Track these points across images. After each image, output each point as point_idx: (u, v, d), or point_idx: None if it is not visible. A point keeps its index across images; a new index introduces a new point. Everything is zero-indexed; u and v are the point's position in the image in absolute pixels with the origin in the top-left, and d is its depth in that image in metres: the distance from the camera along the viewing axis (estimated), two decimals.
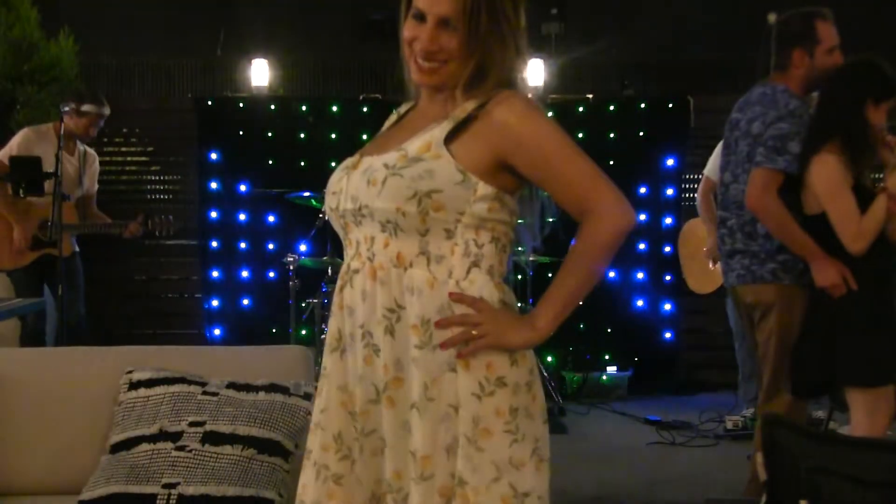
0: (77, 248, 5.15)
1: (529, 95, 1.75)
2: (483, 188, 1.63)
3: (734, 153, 3.33)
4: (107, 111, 5.09)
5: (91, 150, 5.28)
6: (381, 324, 1.65)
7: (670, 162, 6.18)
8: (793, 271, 3.19)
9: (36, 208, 4.88)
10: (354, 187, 1.68)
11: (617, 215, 1.65)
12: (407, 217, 1.61)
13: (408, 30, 1.69)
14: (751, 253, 3.25)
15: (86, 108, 5.00)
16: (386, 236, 1.65)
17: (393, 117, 1.90)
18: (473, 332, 1.61)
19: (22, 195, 4.77)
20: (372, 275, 1.66)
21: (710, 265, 4.85)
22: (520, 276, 5.42)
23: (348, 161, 1.77)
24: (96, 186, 5.30)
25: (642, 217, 6.13)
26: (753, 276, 3.24)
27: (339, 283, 1.74)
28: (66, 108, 4.96)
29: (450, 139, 1.64)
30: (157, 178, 6.44)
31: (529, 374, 1.68)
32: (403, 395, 1.64)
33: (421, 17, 1.66)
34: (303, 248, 5.78)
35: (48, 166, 4.37)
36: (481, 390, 1.62)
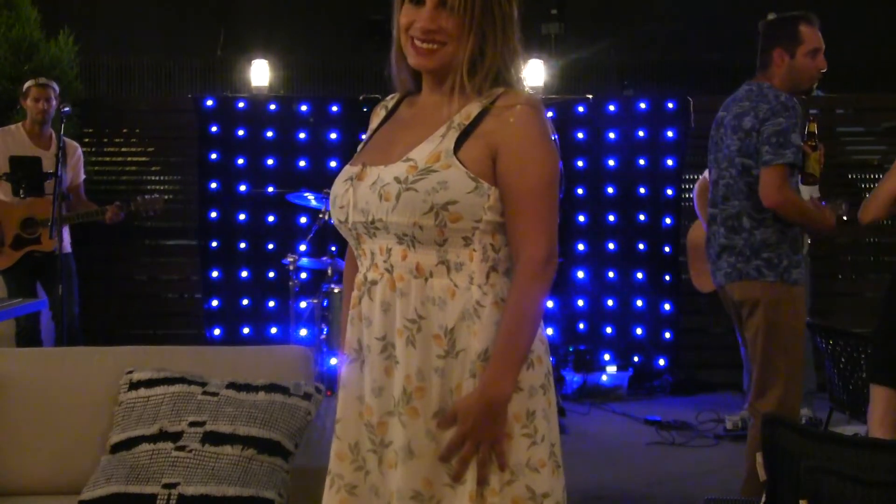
0: (70, 249, 5.05)
1: (535, 97, 1.74)
2: (496, 192, 1.64)
3: (720, 150, 3.36)
4: (43, 81, 5.04)
5: (71, 141, 5.20)
6: (402, 335, 1.64)
7: (670, 162, 6.18)
8: (776, 269, 3.20)
9: (18, 207, 4.84)
10: (364, 200, 1.67)
11: (534, 275, 1.62)
12: (424, 230, 1.61)
13: (405, 15, 1.69)
14: (736, 249, 3.25)
15: (24, 87, 5.04)
16: (403, 248, 1.65)
17: (381, 112, 1.87)
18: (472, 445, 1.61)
19: (22, 196, 4.77)
20: (392, 286, 1.66)
21: None
22: None
23: (350, 171, 1.74)
24: (83, 176, 5.22)
25: (641, 217, 6.14)
26: (740, 274, 3.25)
27: (355, 293, 1.74)
28: (20, 100, 5.05)
29: (458, 147, 1.64)
30: (157, 178, 6.43)
31: (544, 377, 1.69)
32: (427, 405, 1.64)
33: (419, 1, 1.67)
34: (303, 248, 5.78)
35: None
36: None
